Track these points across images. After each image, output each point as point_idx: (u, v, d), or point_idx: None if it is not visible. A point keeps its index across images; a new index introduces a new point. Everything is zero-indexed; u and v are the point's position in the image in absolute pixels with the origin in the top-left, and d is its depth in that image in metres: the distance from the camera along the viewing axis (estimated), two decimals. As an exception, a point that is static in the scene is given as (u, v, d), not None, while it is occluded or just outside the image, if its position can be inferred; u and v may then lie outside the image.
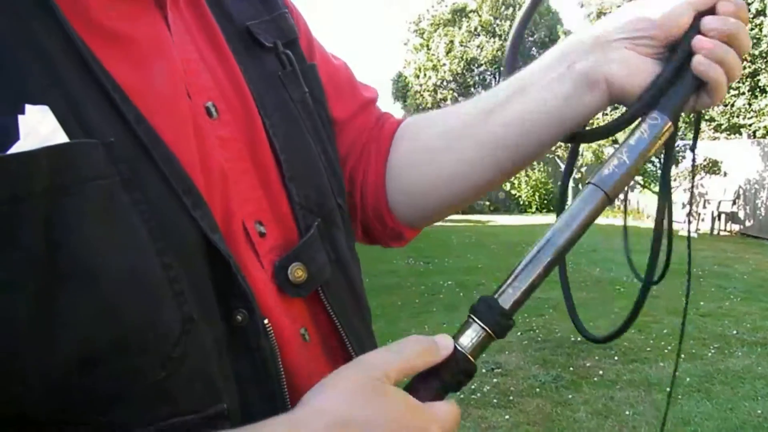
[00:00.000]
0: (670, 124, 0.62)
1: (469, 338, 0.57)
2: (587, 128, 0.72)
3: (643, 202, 16.26)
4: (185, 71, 0.56)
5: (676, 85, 0.63)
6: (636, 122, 0.64)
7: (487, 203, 19.81)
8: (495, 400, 4.29)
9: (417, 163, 0.78)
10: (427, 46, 29.00)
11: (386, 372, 0.50)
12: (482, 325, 0.57)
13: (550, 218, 17.92)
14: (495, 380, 4.67)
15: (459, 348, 0.56)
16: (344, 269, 0.69)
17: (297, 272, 0.60)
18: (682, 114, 0.66)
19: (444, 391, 0.55)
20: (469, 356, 0.56)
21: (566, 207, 0.62)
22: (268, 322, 0.56)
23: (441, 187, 0.77)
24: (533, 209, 19.24)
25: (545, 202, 19.21)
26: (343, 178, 0.74)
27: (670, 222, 0.71)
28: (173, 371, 0.47)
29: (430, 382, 0.54)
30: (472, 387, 4.49)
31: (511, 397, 4.34)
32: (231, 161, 0.58)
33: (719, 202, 14.15)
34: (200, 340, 0.49)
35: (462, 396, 4.33)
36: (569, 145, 0.76)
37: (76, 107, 0.45)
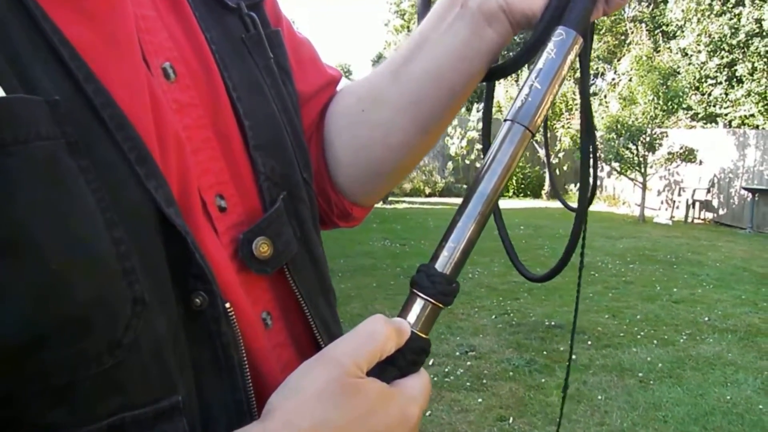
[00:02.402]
0: (577, 36, 0.59)
1: (415, 314, 0.54)
2: (496, 64, 0.69)
3: (619, 187, 16.40)
4: (140, 29, 0.51)
5: None
6: None
7: (464, 186, 19.87)
8: (468, 384, 4.29)
9: (339, 133, 0.76)
10: (408, 27, 28.82)
11: (358, 364, 0.46)
12: (426, 297, 0.53)
13: (527, 203, 18.06)
14: (468, 363, 4.66)
15: (416, 336, 0.53)
16: (309, 247, 0.65)
17: (262, 247, 0.56)
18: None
19: (401, 375, 0.51)
20: (420, 333, 0.53)
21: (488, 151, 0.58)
22: (230, 305, 0.51)
23: (363, 155, 0.75)
24: (510, 193, 19.31)
25: (522, 186, 19.29)
26: (308, 152, 0.69)
27: (595, 148, 0.68)
28: (123, 359, 0.42)
29: (386, 369, 0.50)
30: (446, 370, 4.49)
31: (484, 381, 4.34)
32: (190, 128, 0.53)
33: (694, 190, 14.31)
34: (153, 325, 0.44)
35: (435, 379, 4.33)
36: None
37: (16, 60, 0.40)
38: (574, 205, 0.69)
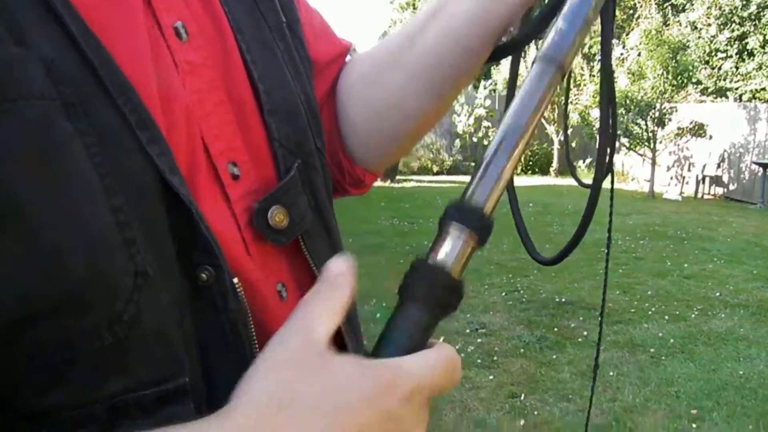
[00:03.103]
0: None
1: (445, 251, 0.47)
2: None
3: (628, 163, 16.29)
4: None
5: None
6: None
7: (473, 164, 19.77)
8: (479, 361, 4.28)
9: (354, 100, 0.74)
10: (413, 5, 28.58)
11: (323, 336, 0.42)
12: (461, 226, 0.47)
13: (535, 180, 18.03)
14: (479, 341, 4.65)
15: (437, 264, 0.47)
16: (323, 218, 0.62)
17: (278, 216, 0.53)
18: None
19: (435, 322, 0.46)
20: (451, 271, 0.47)
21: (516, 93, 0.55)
22: (238, 281, 0.47)
23: (377, 121, 0.74)
24: (518, 171, 19.23)
25: (530, 163, 19.20)
26: (320, 120, 0.66)
27: (615, 114, 0.64)
28: (124, 336, 0.39)
29: (413, 318, 0.45)
30: (457, 347, 4.45)
31: (495, 358, 4.33)
32: (202, 91, 0.50)
33: (704, 165, 14.19)
34: (156, 300, 0.41)
35: (446, 356, 4.32)
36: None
37: (9, 16, 0.37)
38: (586, 181, 0.65)
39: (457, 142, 18.53)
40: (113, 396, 0.39)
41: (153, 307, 0.41)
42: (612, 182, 0.64)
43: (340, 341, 0.60)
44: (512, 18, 0.66)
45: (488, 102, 17.89)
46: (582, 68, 16.69)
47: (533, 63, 0.55)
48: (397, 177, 15.42)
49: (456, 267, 0.47)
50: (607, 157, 0.65)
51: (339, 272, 0.45)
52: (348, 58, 0.79)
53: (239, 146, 0.53)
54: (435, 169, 17.80)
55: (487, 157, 0.51)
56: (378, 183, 14.90)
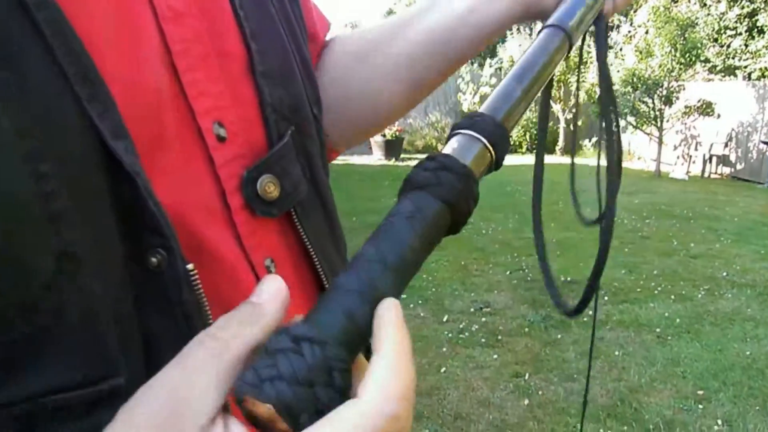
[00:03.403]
0: None
1: (460, 148, 0.41)
2: None
3: (635, 142, 16.16)
4: None
5: None
6: None
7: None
8: (483, 340, 4.25)
9: (332, 81, 0.74)
10: (419, -20, 28.32)
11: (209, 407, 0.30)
12: (476, 135, 0.42)
13: (540, 159, 18.18)
14: (483, 320, 4.62)
15: (454, 159, 0.40)
16: (318, 189, 0.57)
17: (268, 186, 0.49)
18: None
19: (439, 231, 0.38)
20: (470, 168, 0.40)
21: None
22: (193, 267, 0.41)
23: (352, 105, 0.75)
24: (523, 149, 19.11)
25: (536, 141, 19.07)
26: (317, 86, 0.62)
27: (613, 99, 0.67)
28: (44, 327, 0.33)
29: (437, 211, 0.37)
30: (460, 326, 4.45)
31: (499, 337, 4.30)
32: (186, 41, 0.45)
33: (711, 145, 14.05)
34: (88, 287, 0.35)
35: (450, 335, 4.29)
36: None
37: None
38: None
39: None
40: (32, 397, 0.33)
41: (83, 295, 0.35)
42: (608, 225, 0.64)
43: None
44: (499, 27, 0.68)
45: (494, 80, 17.73)
46: (589, 45, 16.50)
47: (539, 31, 0.55)
48: (402, 156, 15.34)
49: (473, 165, 0.40)
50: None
51: (268, 296, 0.35)
52: (328, 37, 0.77)
53: (226, 105, 0.48)
54: (440, 147, 17.64)
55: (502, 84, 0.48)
56: (382, 161, 14.90)
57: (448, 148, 0.42)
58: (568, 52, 0.56)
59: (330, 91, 0.71)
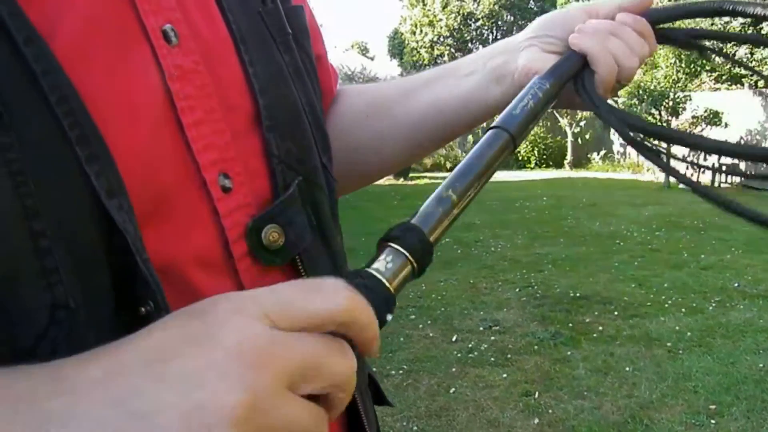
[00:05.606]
0: (550, 84, 0.64)
1: (382, 263, 0.43)
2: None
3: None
4: None
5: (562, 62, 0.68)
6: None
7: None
8: (492, 359, 4.23)
9: (338, 133, 0.76)
10: (423, 1, 28.46)
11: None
12: (397, 248, 0.44)
13: (549, 173, 17.91)
14: (492, 338, 4.60)
15: (375, 274, 0.42)
16: (325, 237, 0.58)
17: (272, 235, 0.50)
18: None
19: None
20: (388, 283, 0.42)
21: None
22: None
23: (354, 157, 0.78)
24: (532, 164, 19.09)
25: (544, 157, 19.04)
26: (328, 136, 0.64)
27: None
28: None
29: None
30: (469, 346, 4.44)
31: (509, 355, 4.28)
32: (191, 98, 0.46)
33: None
34: (80, 335, 0.37)
35: (459, 355, 4.28)
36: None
37: None
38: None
39: (470, 137, 18.41)
40: None
41: (75, 343, 0.36)
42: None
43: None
44: (496, 109, 0.72)
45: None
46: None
47: (487, 130, 0.59)
48: (410, 174, 15.37)
49: (391, 279, 0.43)
50: None
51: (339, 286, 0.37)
52: (337, 87, 0.81)
53: (232, 157, 0.49)
54: (448, 165, 17.72)
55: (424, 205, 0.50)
56: (391, 181, 14.92)
57: (377, 263, 0.44)
58: (514, 150, 0.61)
59: (336, 142, 0.72)
